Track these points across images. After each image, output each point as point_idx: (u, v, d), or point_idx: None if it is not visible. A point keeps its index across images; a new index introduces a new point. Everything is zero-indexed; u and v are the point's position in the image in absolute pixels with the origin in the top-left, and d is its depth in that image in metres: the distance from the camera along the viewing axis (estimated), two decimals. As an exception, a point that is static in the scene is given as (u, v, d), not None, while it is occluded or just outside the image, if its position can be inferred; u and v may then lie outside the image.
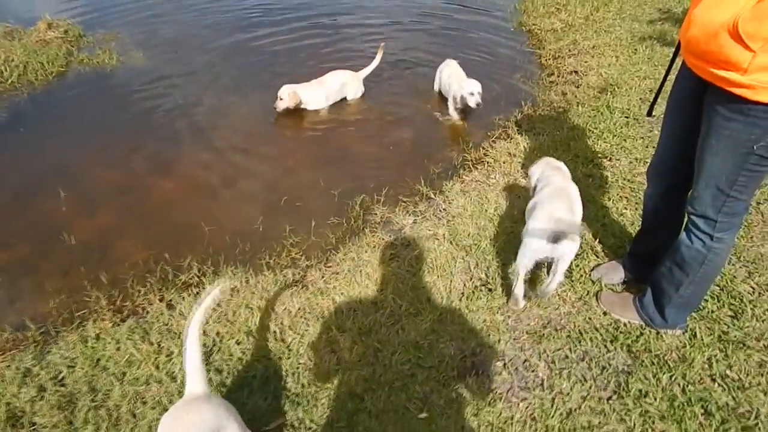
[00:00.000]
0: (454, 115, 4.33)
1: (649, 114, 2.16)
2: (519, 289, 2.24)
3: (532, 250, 2.08)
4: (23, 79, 4.99)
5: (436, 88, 4.75)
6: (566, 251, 2.03)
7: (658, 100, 2.10)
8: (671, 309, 2.05)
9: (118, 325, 2.50)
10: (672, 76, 1.93)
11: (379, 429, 1.87)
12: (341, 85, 4.62)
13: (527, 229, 2.14)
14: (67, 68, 5.26)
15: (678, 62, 1.89)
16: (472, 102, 4.01)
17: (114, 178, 3.74)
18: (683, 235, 1.90)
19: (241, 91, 4.86)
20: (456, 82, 4.24)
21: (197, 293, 2.67)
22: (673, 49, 1.92)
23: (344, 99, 4.72)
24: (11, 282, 2.91)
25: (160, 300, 2.67)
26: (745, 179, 1.63)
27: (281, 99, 4.29)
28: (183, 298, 2.64)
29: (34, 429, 2.00)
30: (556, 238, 1.97)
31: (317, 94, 4.44)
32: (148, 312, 2.59)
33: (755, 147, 1.54)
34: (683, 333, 2.13)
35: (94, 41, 5.78)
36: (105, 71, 5.24)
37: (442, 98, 4.59)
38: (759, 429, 1.78)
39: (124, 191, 3.61)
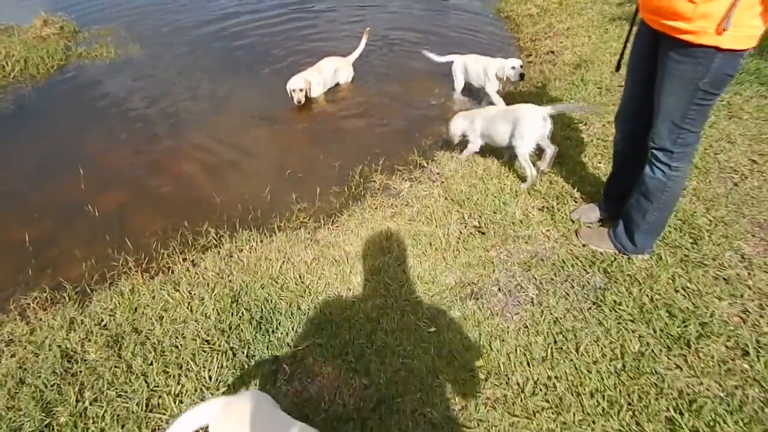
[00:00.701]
0: (496, 99, 4.30)
1: (617, 69, 2.49)
2: (531, 169, 2.97)
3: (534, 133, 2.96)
4: (25, 72, 5.19)
5: (460, 86, 4.71)
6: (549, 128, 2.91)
7: (623, 55, 2.43)
8: (640, 235, 2.39)
9: (149, 281, 2.75)
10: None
11: (394, 343, 2.17)
12: (335, 70, 4.89)
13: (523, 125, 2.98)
14: (67, 62, 5.46)
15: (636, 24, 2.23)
16: (516, 76, 4.04)
17: (125, 159, 3.98)
18: (647, 168, 2.23)
19: (236, 78, 5.13)
20: (492, 65, 4.27)
21: (218, 253, 2.92)
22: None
23: (337, 84, 4.99)
24: (41, 252, 3.14)
25: (183, 260, 2.93)
26: (694, 113, 1.97)
27: (297, 90, 4.45)
28: (205, 257, 2.89)
29: (86, 364, 2.25)
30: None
31: (317, 81, 4.68)
32: (173, 271, 2.84)
33: (700, 83, 1.87)
34: (650, 257, 2.46)
35: (90, 36, 5.98)
36: (104, 63, 5.44)
37: (468, 92, 4.73)
38: (713, 324, 2.12)
39: (136, 171, 3.85)
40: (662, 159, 2.13)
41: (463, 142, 3.55)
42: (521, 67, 3.97)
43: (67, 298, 2.72)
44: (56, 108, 4.68)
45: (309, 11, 6.88)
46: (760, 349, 2.04)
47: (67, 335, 2.40)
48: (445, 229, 2.83)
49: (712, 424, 1.80)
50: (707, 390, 1.91)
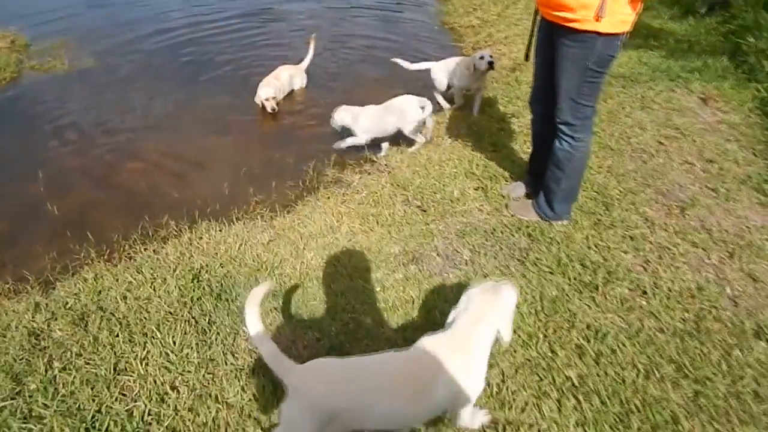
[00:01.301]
0: (459, 102, 4.53)
1: (527, 59, 2.85)
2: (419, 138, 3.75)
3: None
4: (-24, 85, 5.19)
5: (443, 86, 4.70)
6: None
7: (531, 47, 2.80)
8: (557, 202, 2.73)
9: (112, 268, 2.89)
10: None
11: (344, 302, 2.41)
12: (290, 77, 5.14)
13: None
14: (20, 74, 5.48)
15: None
16: (484, 65, 4.02)
17: (83, 164, 4.06)
18: (555, 141, 2.58)
19: (191, 86, 5.29)
20: (463, 61, 4.39)
21: (179, 242, 3.08)
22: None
23: (292, 90, 5.24)
24: (3, 248, 3.21)
25: (145, 249, 3.08)
26: (587, 89, 2.33)
27: (270, 99, 4.63)
28: (166, 246, 3.06)
29: (53, 340, 2.38)
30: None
31: (275, 88, 4.89)
32: (135, 259, 2.99)
33: (588, 63, 2.24)
34: (569, 222, 2.81)
35: (43, 49, 6.00)
36: (58, 75, 5.50)
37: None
38: (618, 272, 2.47)
39: (95, 174, 3.95)
40: (566, 132, 2.48)
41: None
42: (490, 56, 4.07)
43: (29, 288, 2.82)
44: (10, 118, 4.72)
45: (259, 21, 7.14)
46: (656, 290, 2.40)
47: (33, 317, 2.51)
48: (391, 209, 3.11)
49: (613, 347, 2.11)
50: (611, 323, 2.24)
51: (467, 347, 1.61)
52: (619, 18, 2.12)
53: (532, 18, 2.65)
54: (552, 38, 2.37)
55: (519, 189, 3.09)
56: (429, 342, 1.65)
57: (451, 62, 4.64)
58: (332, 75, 5.62)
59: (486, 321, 1.64)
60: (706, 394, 1.95)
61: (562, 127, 2.50)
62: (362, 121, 3.88)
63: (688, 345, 2.14)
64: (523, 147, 3.63)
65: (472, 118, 4.20)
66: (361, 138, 3.92)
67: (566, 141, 2.52)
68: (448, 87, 4.68)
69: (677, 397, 1.94)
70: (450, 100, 4.68)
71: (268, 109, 4.62)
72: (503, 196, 3.09)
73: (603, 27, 2.11)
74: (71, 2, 7.87)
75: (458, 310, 1.72)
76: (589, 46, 2.20)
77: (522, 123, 3.97)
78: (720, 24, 5.61)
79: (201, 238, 3.08)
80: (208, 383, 2.10)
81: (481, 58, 4.10)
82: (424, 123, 3.86)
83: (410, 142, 3.90)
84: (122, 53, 6.07)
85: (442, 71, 4.69)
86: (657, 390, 1.97)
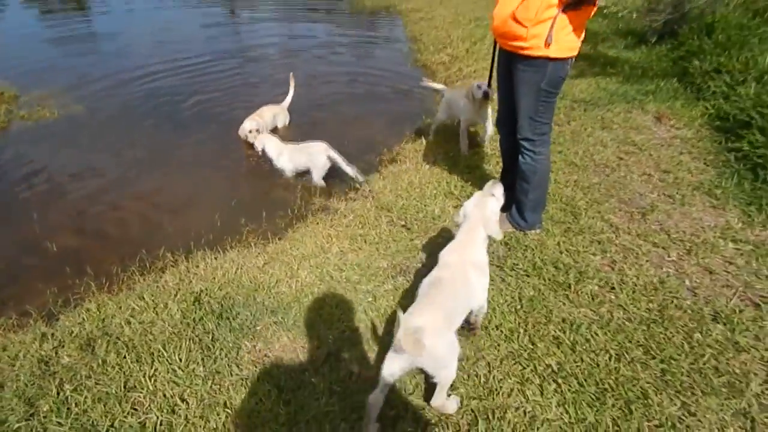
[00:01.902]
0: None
1: (489, 85, 3.16)
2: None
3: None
4: (-33, 136, 5.34)
5: (442, 117, 4.76)
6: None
7: (493, 75, 3.12)
8: (528, 212, 2.99)
9: (114, 297, 3.02)
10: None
11: (339, 313, 2.59)
12: (273, 116, 5.41)
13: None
14: (9, 124, 5.66)
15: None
16: (480, 94, 4.04)
17: (77, 205, 4.21)
18: (519, 157, 2.86)
19: (178, 128, 5.54)
20: (460, 91, 4.46)
21: (176, 271, 3.23)
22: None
23: (275, 127, 5.50)
24: (2, 288, 3.31)
25: (144, 280, 3.22)
26: (543, 108, 2.64)
27: (254, 131, 4.89)
28: (164, 274, 3.21)
29: (63, 366, 2.49)
30: None
31: (258, 123, 5.14)
32: (135, 288, 3.13)
33: (542, 85, 2.55)
34: (541, 231, 3.06)
35: (31, 99, 6.21)
36: (48, 123, 5.70)
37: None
38: (588, 272, 2.70)
39: (90, 213, 4.10)
40: (528, 147, 2.77)
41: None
42: (488, 86, 3.99)
43: (33, 322, 2.93)
44: (2, 164, 4.86)
45: (237, 62, 7.49)
46: (623, 285, 2.64)
47: (40, 346, 2.63)
48: (377, 230, 3.33)
49: (587, 337, 2.33)
50: (584, 316, 2.45)
51: (470, 249, 2.20)
52: (566, 45, 2.43)
53: (492, 50, 2.97)
54: (509, 65, 2.67)
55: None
56: (446, 252, 2.23)
57: (459, 95, 4.56)
58: (314, 109, 5.94)
59: (478, 228, 2.24)
60: (672, 372, 2.15)
61: (523, 143, 2.79)
62: (284, 158, 4.45)
63: (653, 331, 2.36)
64: (495, 168, 3.91)
65: (448, 144, 4.48)
66: (286, 170, 4.47)
67: (528, 155, 2.80)
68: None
69: (646, 375, 2.15)
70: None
71: (251, 141, 4.83)
72: (480, 211, 3.33)
73: (552, 52, 2.43)
74: (56, 53, 8.19)
75: (459, 222, 2.35)
76: (541, 70, 2.51)
77: (493, 147, 4.27)
78: (669, 51, 6.11)
79: (198, 266, 3.23)
80: (216, 393, 2.24)
81: (478, 87, 4.11)
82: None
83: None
84: (109, 99, 6.33)
85: (451, 99, 4.67)
86: (628, 371, 2.17)
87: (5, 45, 9.02)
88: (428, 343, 1.72)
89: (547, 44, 2.39)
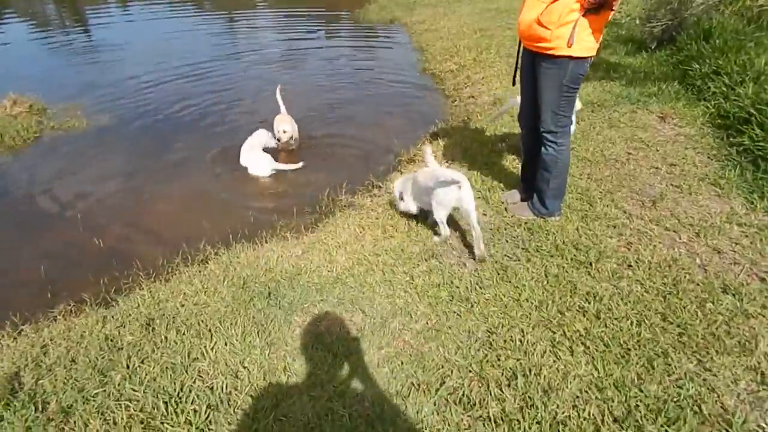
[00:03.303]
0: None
1: (513, 84, 3.42)
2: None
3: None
4: (2, 145, 5.60)
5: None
6: None
7: (516, 76, 3.38)
8: (549, 200, 3.23)
9: (164, 284, 3.25)
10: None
11: (381, 290, 2.82)
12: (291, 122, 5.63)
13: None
14: (41, 134, 5.93)
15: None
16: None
17: (115, 206, 4.46)
18: (542, 149, 3.12)
19: (206, 131, 5.81)
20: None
21: (219, 261, 3.46)
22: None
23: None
24: (56, 282, 3.53)
25: (188, 270, 3.44)
26: (564, 102, 2.89)
27: (286, 131, 5.08)
28: (208, 264, 3.44)
29: (126, 342, 2.71)
30: None
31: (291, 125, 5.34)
32: (182, 277, 3.35)
33: (564, 81, 2.81)
34: (560, 218, 3.30)
35: (59, 111, 6.49)
36: (77, 133, 5.97)
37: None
38: (607, 252, 2.94)
39: (132, 212, 4.34)
40: (550, 139, 3.02)
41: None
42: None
43: (89, 308, 3.15)
44: (39, 171, 5.10)
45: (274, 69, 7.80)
46: (639, 263, 2.87)
47: (103, 327, 2.85)
48: (406, 220, 3.57)
49: (609, 307, 2.56)
50: (605, 289, 2.69)
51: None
52: (586, 45, 2.70)
53: (517, 50, 3.23)
54: (533, 64, 2.94)
55: (514, 195, 3.60)
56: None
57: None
58: (327, 117, 6.22)
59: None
60: (688, 334, 2.38)
61: (546, 135, 3.04)
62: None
63: (670, 301, 2.59)
64: (512, 163, 4.17)
65: (464, 144, 4.75)
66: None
67: (551, 147, 3.06)
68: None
69: (665, 338, 2.37)
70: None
71: (284, 139, 5.06)
72: (502, 202, 3.58)
73: (574, 52, 2.69)
74: (82, 68, 8.51)
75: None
76: (564, 68, 2.77)
77: (508, 144, 4.54)
78: (668, 56, 6.40)
79: (239, 256, 3.47)
80: (274, 360, 2.46)
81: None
82: None
83: None
84: (135, 107, 6.65)
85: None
86: (648, 334, 2.40)
87: (16, 59, 9.34)
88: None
89: (570, 44, 2.66)
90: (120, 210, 4.38)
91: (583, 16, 2.62)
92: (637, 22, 6.93)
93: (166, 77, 7.88)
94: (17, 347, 2.78)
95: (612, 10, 2.65)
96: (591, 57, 2.78)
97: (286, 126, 5.11)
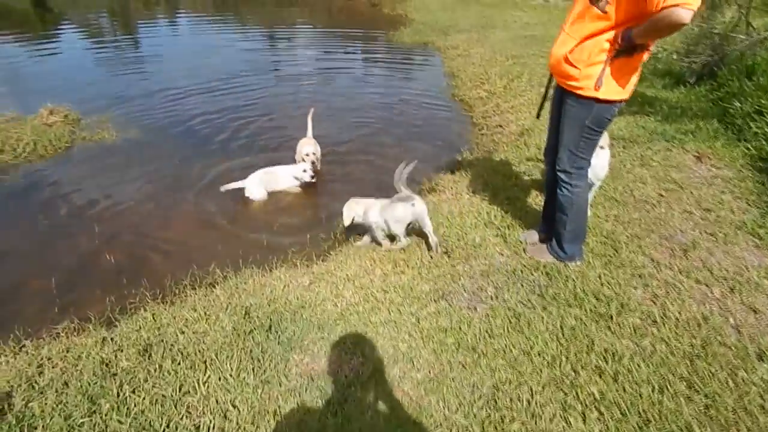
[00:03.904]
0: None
1: (538, 117, 3.29)
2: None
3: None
4: (34, 153, 5.73)
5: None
6: None
7: (544, 106, 3.24)
8: (566, 243, 3.05)
9: (168, 307, 3.19)
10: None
11: (383, 332, 2.68)
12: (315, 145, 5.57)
13: None
14: (72, 144, 6.05)
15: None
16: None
17: (134, 219, 4.47)
18: (558, 189, 2.95)
19: (225, 149, 5.83)
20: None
21: (226, 286, 3.40)
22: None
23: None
24: (64, 295, 3.52)
25: (195, 293, 3.38)
26: (584, 144, 2.74)
27: (309, 154, 5.02)
28: (215, 289, 3.37)
29: (122, 369, 2.64)
30: None
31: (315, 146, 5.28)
32: (187, 301, 3.30)
33: (586, 122, 2.66)
34: (581, 263, 3.11)
35: (92, 123, 6.63)
36: (106, 144, 6.07)
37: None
38: (630, 304, 2.74)
39: (146, 229, 4.34)
40: (565, 179, 2.87)
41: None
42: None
43: (92, 327, 3.11)
44: (64, 181, 5.19)
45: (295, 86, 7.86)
46: (665, 319, 2.66)
47: (101, 349, 2.80)
48: (419, 255, 3.43)
49: (630, 368, 2.35)
50: (626, 347, 2.48)
51: None
52: (615, 88, 2.54)
53: (546, 83, 3.10)
54: (562, 99, 2.80)
55: (533, 235, 3.42)
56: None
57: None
58: (350, 139, 6.17)
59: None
60: (716, 407, 2.16)
61: (561, 175, 2.88)
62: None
63: (697, 366, 2.37)
64: (535, 200, 4.00)
65: (487, 176, 4.60)
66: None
67: (566, 188, 2.89)
68: None
69: (690, 409, 2.16)
70: None
71: (308, 162, 4.96)
72: (521, 242, 3.41)
73: (601, 94, 2.54)
74: (123, 79, 8.77)
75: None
76: (588, 108, 2.62)
77: (532, 180, 4.37)
78: (708, 92, 6.14)
79: (246, 282, 3.39)
80: (266, 401, 2.34)
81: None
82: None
83: None
84: (162, 121, 6.76)
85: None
86: (671, 403, 2.18)
87: (67, 69, 9.67)
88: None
89: (597, 87, 2.51)
90: (136, 226, 4.38)
91: (614, 57, 2.47)
92: (675, 56, 6.69)
93: (199, 91, 8.06)
94: (15, 364, 2.74)
95: (647, 51, 2.48)
96: (621, 100, 2.62)
97: (309, 148, 5.07)
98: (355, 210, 3.71)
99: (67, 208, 4.67)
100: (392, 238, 3.60)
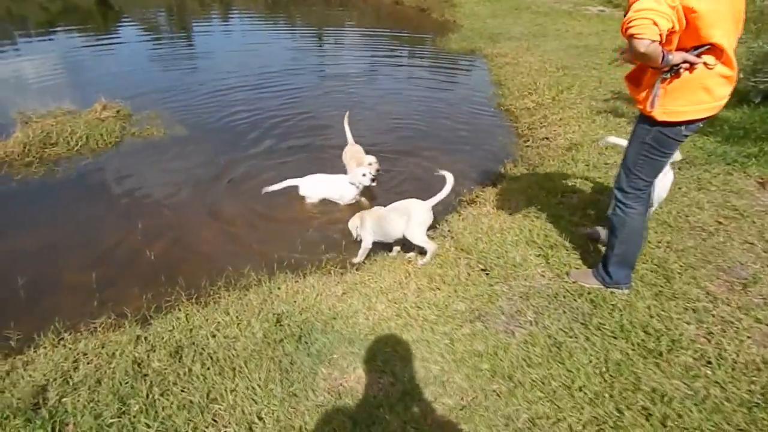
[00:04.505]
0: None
1: None
2: None
3: None
4: (86, 147, 5.93)
5: None
6: None
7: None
8: (612, 267, 2.89)
9: (202, 309, 3.20)
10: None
11: (415, 351, 2.59)
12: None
13: None
14: (122, 140, 6.24)
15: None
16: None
17: (175, 219, 4.53)
18: (610, 209, 2.80)
19: (267, 150, 5.88)
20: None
21: (259, 290, 3.38)
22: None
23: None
24: (104, 290, 3.59)
25: (228, 295, 3.38)
26: (642, 162, 2.58)
27: (372, 163, 4.86)
28: (249, 293, 3.36)
29: (153, 369, 2.65)
30: None
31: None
32: (220, 303, 3.29)
33: (646, 139, 2.51)
34: (628, 290, 2.93)
35: (142, 119, 6.82)
36: (154, 141, 6.23)
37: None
38: (682, 341, 2.55)
39: (184, 227, 4.39)
40: (620, 198, 2.73)
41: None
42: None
43: (128, 324, 3.15)
44: (112, 176, 5.34)
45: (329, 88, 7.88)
46: (721, 361, 2.46)
47: (134, 348, 2.82)
48: (456, 270, 3.32)
49: (680, 412, 2.18)
50: (676, 388, 2.30)
51: None
52: (672, 109, 2.36)
53: None
54: None
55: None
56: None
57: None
58: (395, 146, 6.09)
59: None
60: (778, 465, 1.97)
61: (617, 193, 2.73)
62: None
63: (755, 416, 2.17)
64: (582, 220, 3.81)
65: (530, 191, 4.43)
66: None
67: (619, 207, 2.73)
68: None
69: (747, 465, 1.97)
70: None
71: (374, 171, 4.74)
72: (564, 264, 3.24)
73: (657, 115, 2.39)
74: (164, 76, 9.04)
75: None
76: (648, 127, 2.48)
77: (580, 198, 4.18)
78: (775, 113, 5.75)
79: (279, 287, 3.37)
80: (292, 416, 2.29)
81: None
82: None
83: None
84: (208, 121, 6.88)
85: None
86: (726, 456, 2.00)
87: (123, 64, 10.04)
88: None
89: (651, 108, 2.36)
90: (178, 224, 4.45)
91: (662, 80, 2.31)
92: (741, 75, 6.30)
93: (248, 89, 8.28)
94: (53, 357, 2.80)
95: (708, 66, 2.29)
96: (687, 122, 2.42)
97: (372, 158, 4.93)
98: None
99: (112, 203, 4.80)
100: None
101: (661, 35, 2.08)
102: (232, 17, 17.60)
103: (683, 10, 2.11)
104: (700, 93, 2.34)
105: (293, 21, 16.62)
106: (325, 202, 4.82)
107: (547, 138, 6.05)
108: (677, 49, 2.25)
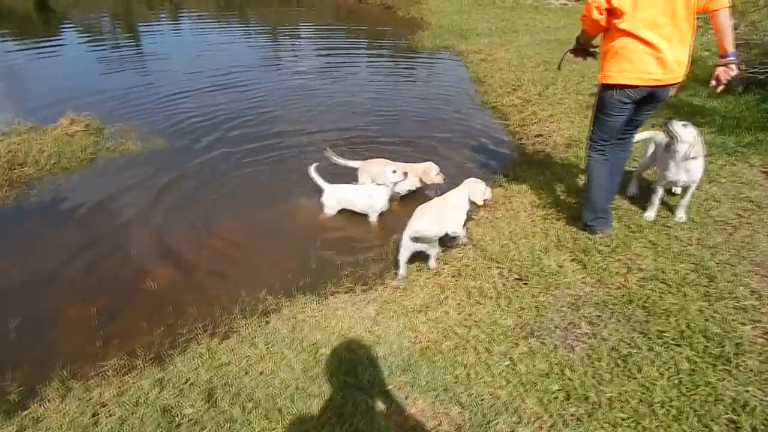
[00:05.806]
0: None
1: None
2: None
3: None
4: (58, 166, 5.47)
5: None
6: None
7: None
8: (584, 210, 3.54)
9: (224, 341, 2.93)
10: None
11: (476, 376, 2.42)
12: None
13: None
14: (97, 155, 5.79)
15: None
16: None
17: (172, 242, 4.17)
18: None
19: (256, 164, 5.57)
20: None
21: (282, 316, 3.14)
22: None
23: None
24: (107, 325, 3.27)
25: (246, 325, 3.11)
26: (595, 119, 3.32)
27: (395, 171, 4.35)
28: (269, 318, 3.12)
29: (187, 417, 2.39)
30: None
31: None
32: (241, 333, 3.04)
33: (596, 99, 3.25)
34: (601, 234, 3.46)
35: (115, 132, 6.36)
36: (132, 155, 5.80)
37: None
38: (744, 344, 2.48)
39: (184, 251, 4.05)
40: (586, 147, 3.49)
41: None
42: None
43: (142, 364, 2.85)
44: (92, 195, 4.91)
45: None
46: (787, 362, 2.40)
47: (159, 393, 2.54)
48: (491, 282, 3.18)
49: (766, 422, 2.10)
50: (753, 396, 2.22)
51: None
52: (608, 72, 3.05)
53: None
54: None
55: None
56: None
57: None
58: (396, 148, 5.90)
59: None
60: None
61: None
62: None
63: (839, 419, 2.12)
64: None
65: (542, 192, 4.34)
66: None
67: (586, 156, 3.51)
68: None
69: None
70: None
71: (398, 177, 4.34)
72: (603, 269, 3.15)
73: (602, 79, 3.12)
74: (131, 85, 8.52)
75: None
76: (599, 90, 3.22)
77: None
78: (758, 101, 5.89)
79: (303, 311, 3.14)
80: (358, 461, 2.09)
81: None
82: None
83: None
84: (188, 132, 6.48)
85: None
86: (825, 467, 1.93)
87: (73, 73, 9.46)
88: None
89: (600, 72, 3.14)
90: (175, 246, 4.12)
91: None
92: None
93: (220, 92, 8.06)
94: (65, 410, 2.50)
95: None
96: (619, 86, 3.02)
97: (389, 166, 4.46)
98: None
99: (98, 228, 4.41)
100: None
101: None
102: (181, 17, 16.91)
103: None
104: (624, 62, 2.97)
105: (246, 19, 16.15)
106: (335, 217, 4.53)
107: (540, 135, 6.00)
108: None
